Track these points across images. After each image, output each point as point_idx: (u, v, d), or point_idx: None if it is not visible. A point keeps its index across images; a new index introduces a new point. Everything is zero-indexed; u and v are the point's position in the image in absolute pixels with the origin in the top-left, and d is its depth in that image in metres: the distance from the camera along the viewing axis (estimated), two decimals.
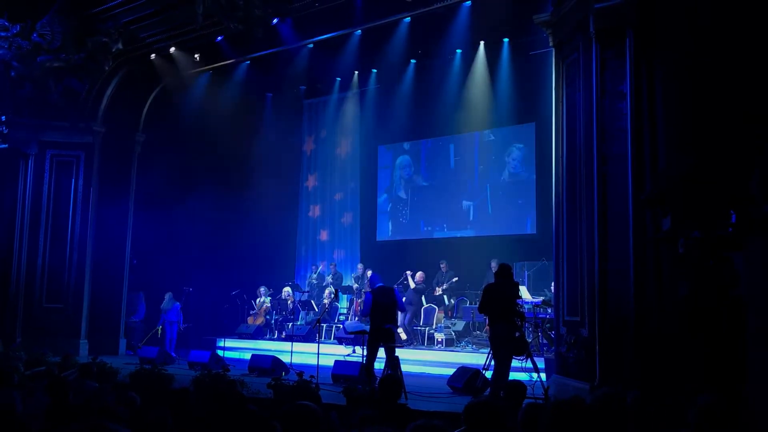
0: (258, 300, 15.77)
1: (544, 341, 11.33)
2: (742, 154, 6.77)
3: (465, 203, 15.93)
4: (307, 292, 15.87)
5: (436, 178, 16.57)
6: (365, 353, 9.66)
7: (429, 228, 16.48)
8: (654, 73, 7.86)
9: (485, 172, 15.86)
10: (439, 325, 13.45)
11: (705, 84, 7.21)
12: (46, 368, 8.50)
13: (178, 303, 14.57)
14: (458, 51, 14.96)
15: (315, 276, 16.45)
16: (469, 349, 12.54)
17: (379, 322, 9.42)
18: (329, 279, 15.74)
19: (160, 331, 14.40)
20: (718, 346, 6.58)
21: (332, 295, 14.85)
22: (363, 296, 14.18)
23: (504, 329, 8.55)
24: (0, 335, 13.04)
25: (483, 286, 12.75)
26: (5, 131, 14.45)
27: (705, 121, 7.18)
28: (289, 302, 15.53)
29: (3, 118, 14.42)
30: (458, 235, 15.97)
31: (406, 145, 17.11)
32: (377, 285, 9.82)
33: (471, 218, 15.82)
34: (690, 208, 6.88)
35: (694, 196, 6.90)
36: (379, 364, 9.62)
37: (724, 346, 6.49)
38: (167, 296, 14.55)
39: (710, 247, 6.63)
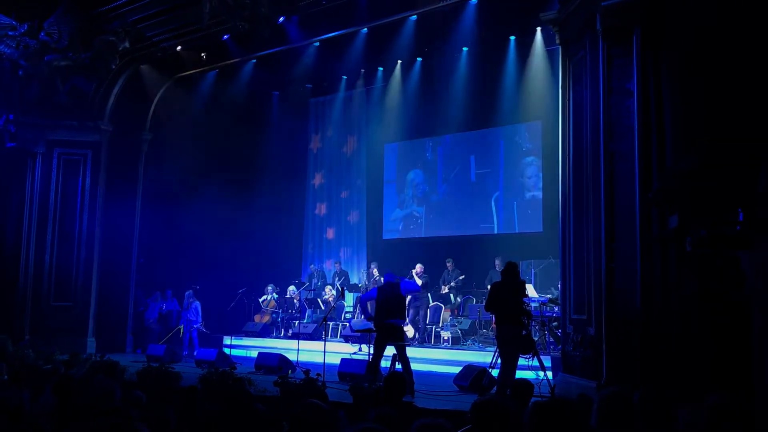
0: (264, 298, 15.79)
1: (551, 339, 11.32)
2: (750, 152, 6.74)
3: (479, 202, 15.95)
4: (313, 290, 15.88)
5: (446, 178, 16.56)
6: (371, 351, 9.65)
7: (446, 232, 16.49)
8: (661, 71, 7.84)
9: (491, 170, 15.85)
10: (445, 323, 13.45)
11: (712, 81, 7.18)
12: (53, 366, 8.54)
13: (197, 302, 14.57)
14: (464, 49, 14.94)
15: (316, 275, 16.44)
16: (475, 347, 12.53)
17: (382, 317, 9.42)
18: (336, 279, 15.72)
19: (182, 331, 14.39)
20: (725, 345, 6.57)
21: (336, 293, 14.83)
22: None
23: (510, 328, 8.54)
24: (9, 333, 13.10)
25: (485, 284, 12.86)
26: (13, 130, 14.51)
27: (712, 118, 7.15)
28: (295, 300, 15.55)
29: (11, 117, 14.49)
30: (467, 233, 15.98)
31: (412, 144, 17.11)
32: (385, 281, 9.83)
33: (481, 217, 15.83)
34: (697, 206, 6.85)
35: (701, 194, 6.87)
36: (386, 362, 9.63)
37: (731, 346, 6.47)
38: (187, 294, 14.54)
39: (717, 246, 6.61)
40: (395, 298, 9.61)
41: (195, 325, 14.46)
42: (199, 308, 14.55)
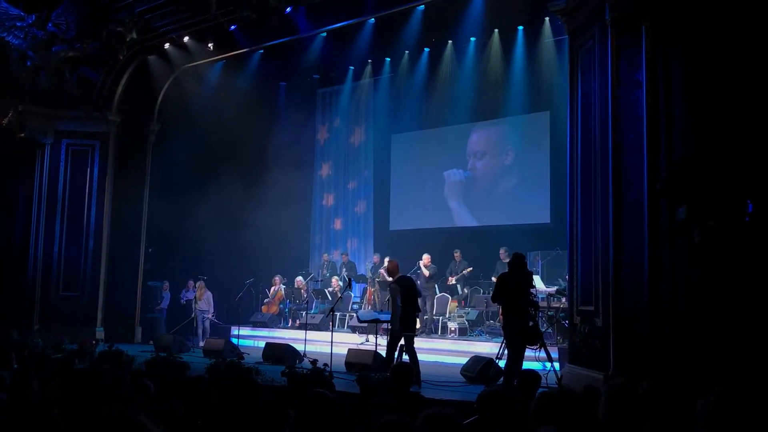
0: (272, 288, 15.82)
1: (558, 334, 11.31)
2: (759, 144, 6.70)
3: (486, 193, 15.94)
4: (321, 281, 15.91)
5: (450, 167, 16.52)
6: (384, 342, 9.62)
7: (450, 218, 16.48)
8: (670, 61, 7.78)
9: (499, 160, 15.82)
10: (452, 314, 13.46)
11: (722, 71, 7.13)
12: (63, 355, 8.59)
13: (209, 292, 14.62)
14: (472, 39, 14.88)
15: (326, 265, 16.44)
16: (482, 338, 12.54)
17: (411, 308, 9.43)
18: (344, 270, 15.71)
19: (196, 321, 14.44)
20: (733, 337, 6.55)
21: (343, 284, 14.82)
22: (376, 285, 14.20)
23: (517, 319, 8.54)
24: (17, 323, 13.20)
25: (493, 275, 12.84)
26: (22, 121, 14.57)
27: (722, 109, 7.10)
28: (302, 291, 15.57)
29: (19, 107, 14.54)
30: (474, 224, 15.97)
31: (419, 134, 17.06)
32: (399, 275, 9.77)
33: (489, 207, 15.82)
34: (706, 197, 6.83)
35: (710, 185, 6.84)
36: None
37: (738, 338, 6.45)
38: (199, 284, 14.60)
39: (726, 238, 6.58)
40: (415, 294, 9.63)
41: (206, 316, 14.51)
42: (212, 299, 14.61)
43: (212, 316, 14.69)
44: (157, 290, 15.42)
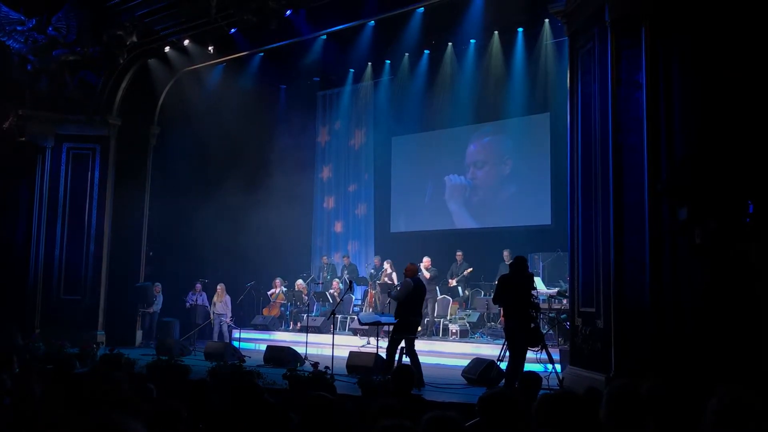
0: (273, 291, 15.81)
1: (559, 336, 11.30)
2: (759, 144, 6.71)
3: (487, 196, 15.95)
4: (321, 283, 15.91)
5: (451, 169, 16.53)
6: (385, 344, 9.62)
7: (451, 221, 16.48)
8: (671, 62, 7.78)
9: (499, 162, 15.82)
10: (453, 316, 13.45)
11: (722, 71, 7.13)
12: (64, 359, 8.60)
13: (228, 296, 14.60)
14: (472, 41, 14.89)
15: (326, 268, 16.43)
16: (483, 340, 12.53)
17: (413, 312, 9.45)
18: (345, 273, 15.70)
19: (213, 325, 14.41)
20: (736, 338, 6.54)
21: (344, 286, 14.80)
22: (377, 288, 14.19)
23: (519, 320, 8.54)
24: (19, 326, 13.18)
25: (497, 278, 12.83)
26: (23, 125, 14.59)
27: (722, 109, 7.11)
28: (303, 294, 15.56)
29: (20, 111, 14.55)
30: (475, 226, 15.97)
31: (420, 136, 17.07)
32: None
33: (490, 210, 15.82)
34: (707, 198, 6.83)
35: (710, 186, 6.84)
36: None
37: (741, 338, 6.45)
38: (219, 288, 14.58)
39: (727, 238, 6.58)
40: (422, 298, 9.64)
41: (224, 319, 14.49)
42: (230, 302, 14.60)
43: (230, 320, 14.69)
44: (148, 290, 15.11)
